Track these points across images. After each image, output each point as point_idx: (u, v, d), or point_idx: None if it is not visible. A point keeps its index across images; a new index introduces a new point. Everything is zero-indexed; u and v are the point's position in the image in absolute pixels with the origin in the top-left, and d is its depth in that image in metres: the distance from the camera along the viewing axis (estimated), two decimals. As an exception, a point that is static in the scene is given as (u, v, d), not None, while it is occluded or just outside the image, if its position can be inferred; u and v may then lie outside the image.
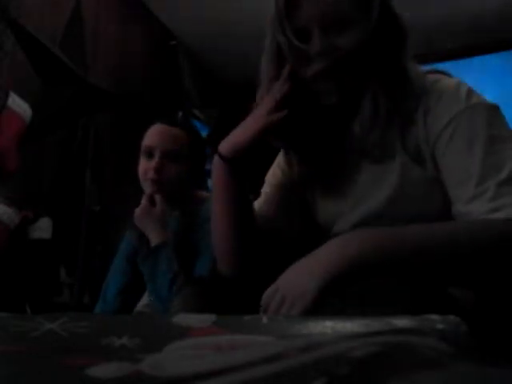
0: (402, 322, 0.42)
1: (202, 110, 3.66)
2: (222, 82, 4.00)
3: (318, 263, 0.63)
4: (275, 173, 0.97)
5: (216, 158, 0.84)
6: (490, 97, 0.79)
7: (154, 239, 1.31)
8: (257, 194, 0.95)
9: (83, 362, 0.34)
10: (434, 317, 0.43)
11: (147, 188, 1.43)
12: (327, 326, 0.42)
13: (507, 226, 0.65)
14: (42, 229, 1.94)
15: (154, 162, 1.38)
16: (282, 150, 0.96)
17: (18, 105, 1.90)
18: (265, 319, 0.47)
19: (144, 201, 1.36)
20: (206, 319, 0.46)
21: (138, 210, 1.35)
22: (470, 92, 0.76)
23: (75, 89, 2.22)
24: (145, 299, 1.32)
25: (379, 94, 0.76)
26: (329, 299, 0.64)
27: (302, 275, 0.63)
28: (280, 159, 0.98)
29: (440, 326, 0.41)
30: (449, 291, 0.70)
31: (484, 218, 0.67)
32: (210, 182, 1.30)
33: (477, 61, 3.56)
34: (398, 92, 0.77)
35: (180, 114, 3.43)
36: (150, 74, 3.13)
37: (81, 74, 2.24)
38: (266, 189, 0.96)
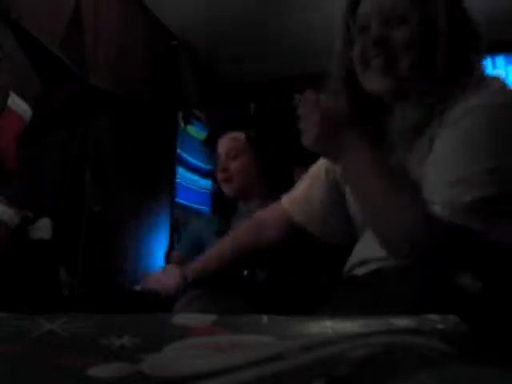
0: (402, 321, 0.42)
1: (201, 109, 3.66)
2: (222, 81, 3.99)
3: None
4: (319, 171, 1.03)
5: None
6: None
7: None
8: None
9: (83, 362, 0.34)
10: (434, 317, 0.43)
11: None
12: (327, 326, 0.42)
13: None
14: (42, 229, 1.93)
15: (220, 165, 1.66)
16: None
17: (18, 105, 1.90)
18: (265, 319, 0.47)
19: None
20: (206, 319, 0.47)
21: None
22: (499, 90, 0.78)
23: (75, 89, 2.22)
24: None
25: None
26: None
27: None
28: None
29: (440, 326, 0.41)
30: (456, 280, 0.71)
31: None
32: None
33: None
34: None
35: (180, 114, 3.43)
36: (150, 74, 3.13)
37: (81, 74, 2.24)
38: (306, 185, 1.03)
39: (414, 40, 0.82)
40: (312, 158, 1.03)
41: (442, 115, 0.79)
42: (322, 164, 1.03)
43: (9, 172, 1.87)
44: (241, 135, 1.73)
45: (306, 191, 1.02)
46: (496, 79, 0.85)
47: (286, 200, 1.05)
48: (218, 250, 1.09)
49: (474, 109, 0.74)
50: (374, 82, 0.86)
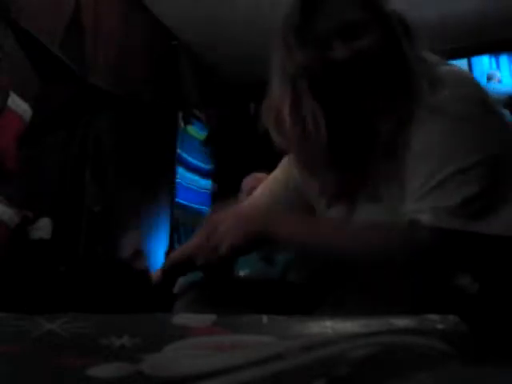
0: (402, 321, 0.42)
1: (201, 110, 3.66)
2: (222, 81, 4.00)
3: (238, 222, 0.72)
4: (277, 187, 0.98)
5: None
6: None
7: None
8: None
9: (83, 362, 0.34)
10: (434, 317, 0.43)
11: None
12: (327, 326, 0.42)
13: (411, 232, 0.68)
14: (42, 229, 1.94)
15: None
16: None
17: (18, 105, 1.90)
18: (265, 319, 0.47)
19: None
20: (205, 319, 0.46)
21: None
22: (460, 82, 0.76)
23: (75, 89, 2.22)
24: None
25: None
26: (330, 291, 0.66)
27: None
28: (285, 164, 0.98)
29: (440, 326, 0.41)
30: (454, 281, 0.71)
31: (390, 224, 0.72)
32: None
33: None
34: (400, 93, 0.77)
35: (180, 113, 3.43)
36: (149, 73, 3.13)
37: (81, 74, 2.24)
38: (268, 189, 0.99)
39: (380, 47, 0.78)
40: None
41: (405, 125, 0.77)
42: (278, 177, 1.00)
43: (9, 172, 1.87)
44: (264, 176, 1.78)
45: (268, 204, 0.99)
46: (451, 72, 0.80)
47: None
48: None
49: (433, 115, 0.73)
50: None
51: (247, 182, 1.85)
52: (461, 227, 0.66)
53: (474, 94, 0.75)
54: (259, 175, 1.78)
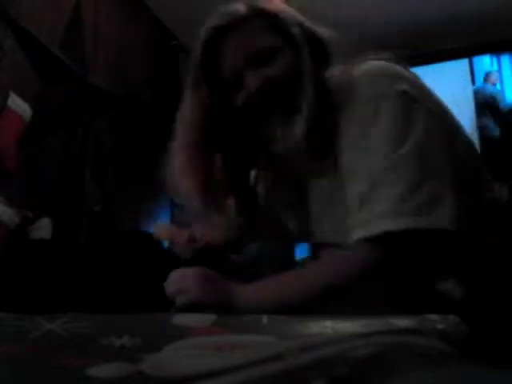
0: (402, 321, 0.42)
1: (201, 110, 3.65)
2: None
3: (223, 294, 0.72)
4: None
5: None
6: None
7: None
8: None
9: (83, 362, 0.34)
10: (434, 317, 0.43)
11: None
12: (327, 326, 0.42)
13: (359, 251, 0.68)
14: (42, 229, 1.94)
15: None
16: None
17: (18, 105, 1.90)
18: (265, 319, 0.47)
19: None
20: (205, 319, 0.47)
21: None
22: (377, 80, 0.74)
23: (75, 89, 2.22)
24: None
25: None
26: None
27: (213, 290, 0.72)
28: None
29: (440, 326, 0.41)
30: (436, 286, 0.71)
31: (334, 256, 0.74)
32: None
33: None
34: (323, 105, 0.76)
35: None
36: (150, 73, 3.13)
37: (81, 74, 2.24)
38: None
39: (291, 70, 0.77)
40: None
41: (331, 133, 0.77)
42: None
43: (9, 172, 1.87)
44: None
45: None
46: (365, 73, 0.77)
47: None
48: None
49: (351, 118, 0.73)
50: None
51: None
52: (407, 225, 0.65)
53: (387, 89, 0.72)
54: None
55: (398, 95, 0.71)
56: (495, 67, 4.01)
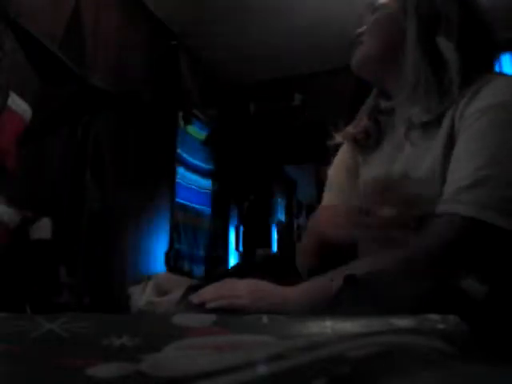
0: (402, 321, 0.41)
1: (201, 110, 3.66)
2: (222, 82, 4.00)
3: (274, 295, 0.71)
4: (339, 166, 1.05)
5: None
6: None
7: None
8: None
9: (83, 362, 0.34)
10: (434, 317, 0.43)
11: None
12: (327, 326, 0.42)
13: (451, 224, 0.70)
14: (42, 229, 1.94)
15: None
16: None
17: (18, 105, 1.90)
18: (265, 319, 0.46)
19: None
20: (205, 319, 0.46)
21: None
22: None
23: (75, 89, 2.22)
24: None
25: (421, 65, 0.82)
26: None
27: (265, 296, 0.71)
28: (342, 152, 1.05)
29: (440, 326, 0.41)
30: (457, 284, 0.71)
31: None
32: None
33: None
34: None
35: (180, 113, 3.43)
36: (150, 73, 3.13)
37: (81, 74, 2.24)
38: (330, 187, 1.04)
39: (379, 22, 0.87)
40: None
41: (454, 112, 0.79)
42: (339, 165, 1.05)
43: (9, 172, 1.87)
44: None
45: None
46: (505, 76, 0.84)
47: None
48: None
49: (488, 109, 0.74)
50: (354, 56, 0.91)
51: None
52: (500, 223, 0.68)
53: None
54: None
55: None
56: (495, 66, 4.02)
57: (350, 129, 0.99)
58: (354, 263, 0.76)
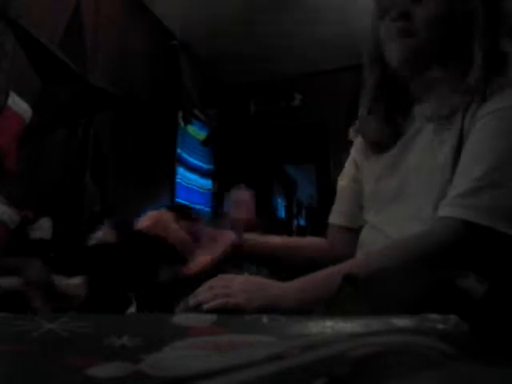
0: (402, 321, 0.41)
1: (202, 110, 3.66)
2: (222, 82, 4.00)
3: (275, 289, 0.70)
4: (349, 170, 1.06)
5: None
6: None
7: None
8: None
9: (83, 362, 0.34)
10: (434, 317, 0.43)
11: None
12: (327, 326, 0.42)
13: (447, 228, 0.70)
14: (42, 229, 1.94)
15: None
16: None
17: (18, 105, 1.90)
18: (265, 319, 0.47)
19: None
20: (206, 319, 0.47)
21: None
22: None
23: (75, 89, 2.22)
24: None
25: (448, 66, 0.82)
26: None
27: (261, 288, 0.70)
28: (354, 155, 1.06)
29: (440, 326, 0.41)
30: (456, 283, 0.71)
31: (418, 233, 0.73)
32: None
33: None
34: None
35: (180, 113, 3.43)
36: (150, 74, 3.13)
37: (81, 74, 2.24)
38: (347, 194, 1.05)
39: (432, 16, 0.82)
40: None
41: (473, 109, 0.78)
42: (349, 166, 1.06)
43: (9, 172, 1.87)
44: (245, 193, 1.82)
45: (350, 202, 1.03)
46: None
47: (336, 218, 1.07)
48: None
49: (497, 112, 0.74)
50: (392, 50, 0.86)
51: (236, 193, 1.82)
52: (499, 227, 0.67)
53: None
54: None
55: None
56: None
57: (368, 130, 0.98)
58: (353, 260, 0.76)
